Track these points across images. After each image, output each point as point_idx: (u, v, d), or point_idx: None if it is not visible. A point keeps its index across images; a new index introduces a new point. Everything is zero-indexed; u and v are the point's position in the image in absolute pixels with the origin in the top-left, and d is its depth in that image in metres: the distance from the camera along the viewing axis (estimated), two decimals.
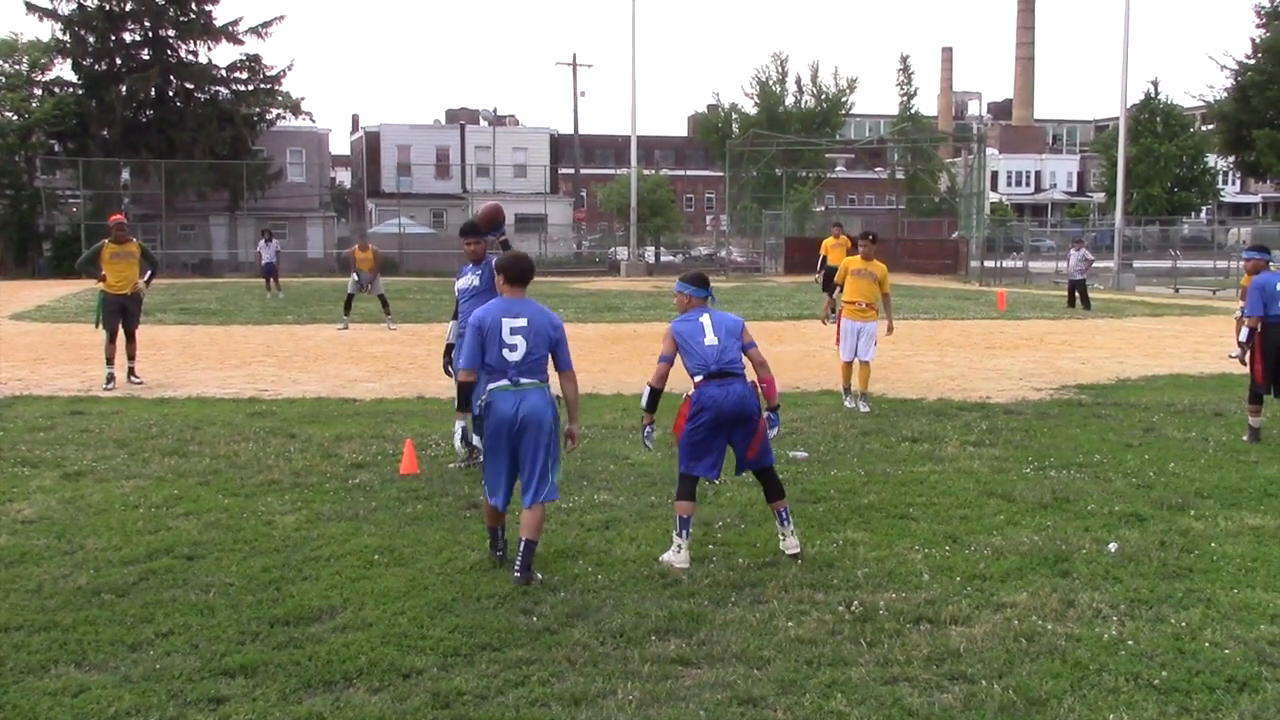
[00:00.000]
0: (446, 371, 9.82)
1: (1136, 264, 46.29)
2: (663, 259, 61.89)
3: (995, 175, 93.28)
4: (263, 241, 35.61)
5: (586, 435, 10.95)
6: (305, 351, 18.94)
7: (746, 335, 7.13)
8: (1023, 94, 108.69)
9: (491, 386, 6.61)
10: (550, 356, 6.68)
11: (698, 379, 6.95)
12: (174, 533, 7.56)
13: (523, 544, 6.56)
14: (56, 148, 53.23)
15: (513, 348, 6.54)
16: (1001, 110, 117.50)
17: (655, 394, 7.07)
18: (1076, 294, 30.00)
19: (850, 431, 11.27)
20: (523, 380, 6.56)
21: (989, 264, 46.40)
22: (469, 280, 9.25)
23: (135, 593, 6.36)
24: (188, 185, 53.58)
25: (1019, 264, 48.17)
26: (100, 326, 14.58)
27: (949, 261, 49.96)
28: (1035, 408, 12.89)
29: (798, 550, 6.98)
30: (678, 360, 7.06)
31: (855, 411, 12.45)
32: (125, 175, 53.97)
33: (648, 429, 7.17)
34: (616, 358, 18.02)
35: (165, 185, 51.89)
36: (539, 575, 6.55)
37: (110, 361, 14.38)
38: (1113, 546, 7.18)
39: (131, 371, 14.71)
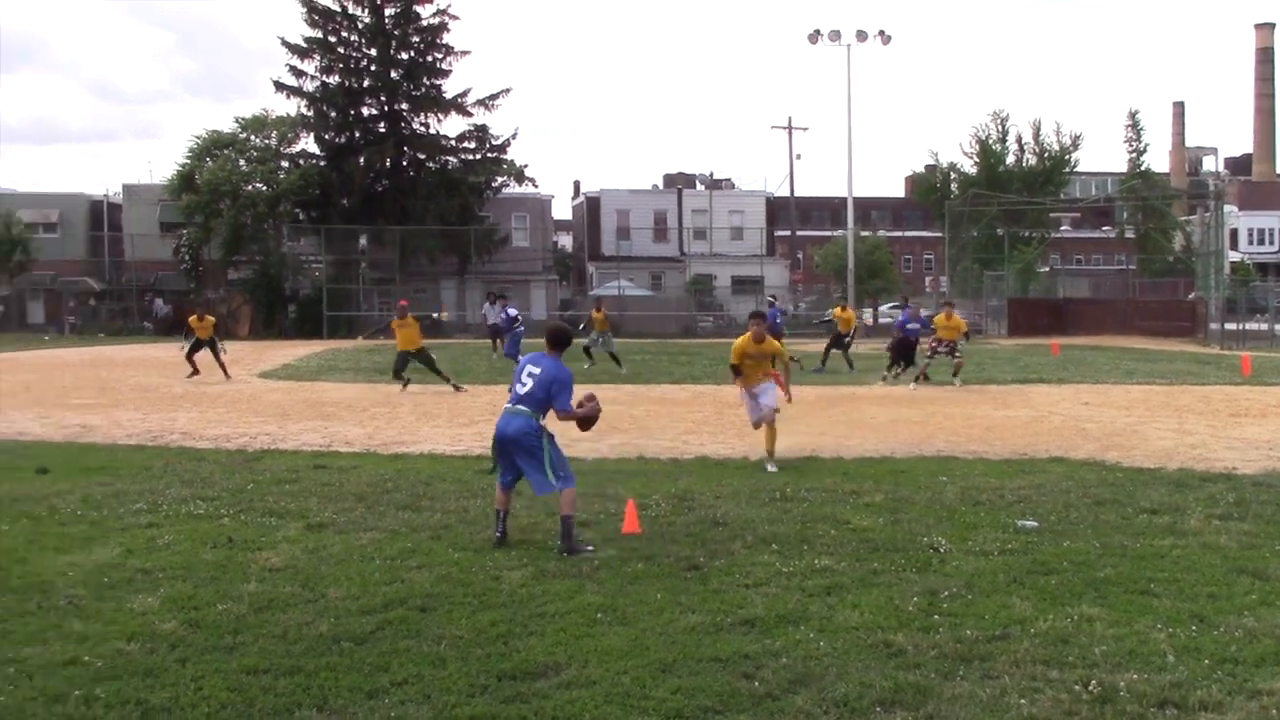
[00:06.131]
0: None
1: None
2: (881, 321, 61.05)
3: (1235, 233, 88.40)
4: (487, 304, 36.76)
5: (806, 499, 10.85)
6: None
7: None
8: (1263, 148, 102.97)
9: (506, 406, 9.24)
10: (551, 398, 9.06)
11: None
12: (408, 584, 7.85)
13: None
14: (301, 216, 56.72)
15: (524, 384, 9.13)
16: (1240, 165, 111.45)
17: None
18: None
19: (1083, 501, 10.80)
20: (517, 406, 9.08)
21: (1230, 326, 43.96)
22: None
23: (373, 641, 6.62)
24: (420, 250, 56.42)
25: (1264, 326, 45.49)
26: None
27: (1185, 324, 47.55)
28: None
29: None
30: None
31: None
32: (363, 241, 57.12)
33: None
34: (835, 420, 17.80)
35: (399, 250, 54.76)
36: (589, 547, 8.76)
37: (400, 379, 22.67)
38: None
39: (454, 388, 22.55)
